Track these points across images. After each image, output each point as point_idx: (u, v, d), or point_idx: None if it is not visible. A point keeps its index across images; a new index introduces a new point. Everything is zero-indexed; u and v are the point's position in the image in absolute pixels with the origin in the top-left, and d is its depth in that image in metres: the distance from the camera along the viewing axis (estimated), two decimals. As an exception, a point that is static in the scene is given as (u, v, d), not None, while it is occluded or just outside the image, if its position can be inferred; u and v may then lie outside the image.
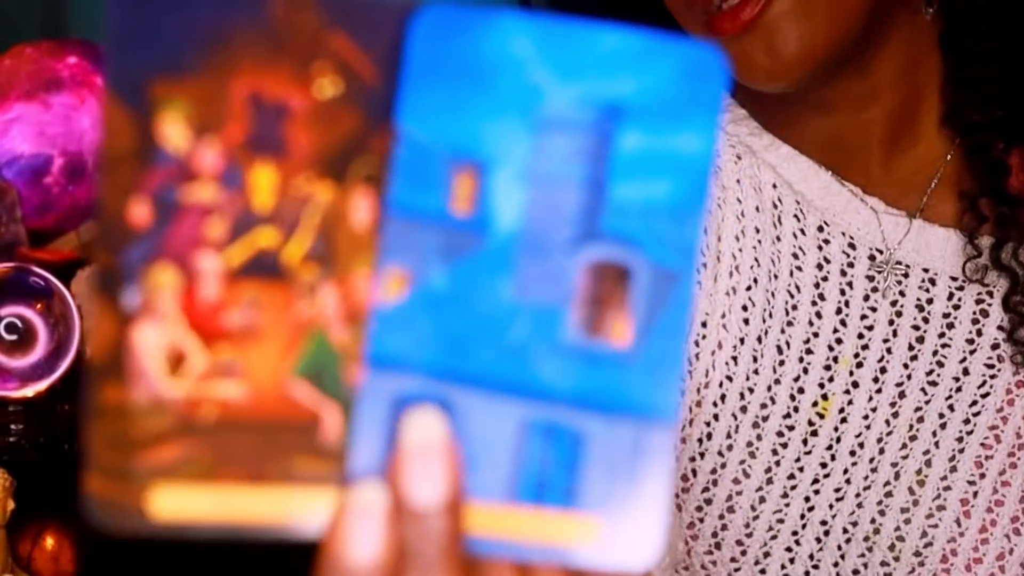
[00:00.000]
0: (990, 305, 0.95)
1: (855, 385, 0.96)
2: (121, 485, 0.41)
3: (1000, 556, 0.93)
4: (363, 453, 0.39)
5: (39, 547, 1.01)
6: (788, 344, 0.96)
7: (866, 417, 0.96)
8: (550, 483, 0.39)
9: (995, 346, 0.95)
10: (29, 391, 1.13)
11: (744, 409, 0.96)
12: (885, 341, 0.96)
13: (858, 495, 0.95)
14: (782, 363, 0.96)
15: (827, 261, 0.96)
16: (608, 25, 0.38)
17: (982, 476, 0.94)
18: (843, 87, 0.94)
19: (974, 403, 0.94)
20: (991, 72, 0.92)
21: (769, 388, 0.96)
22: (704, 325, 0.96)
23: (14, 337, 1.14)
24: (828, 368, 0.96)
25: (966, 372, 0.95)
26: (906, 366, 0.96)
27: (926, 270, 0.96)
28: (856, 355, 0.96)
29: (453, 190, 0.39)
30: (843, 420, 0.96)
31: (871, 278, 0.96)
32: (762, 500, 0.96)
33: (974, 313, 0.95)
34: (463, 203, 0.39)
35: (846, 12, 0.89)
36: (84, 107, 1.47)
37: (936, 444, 0.94)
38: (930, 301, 0.96)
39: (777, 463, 0.96)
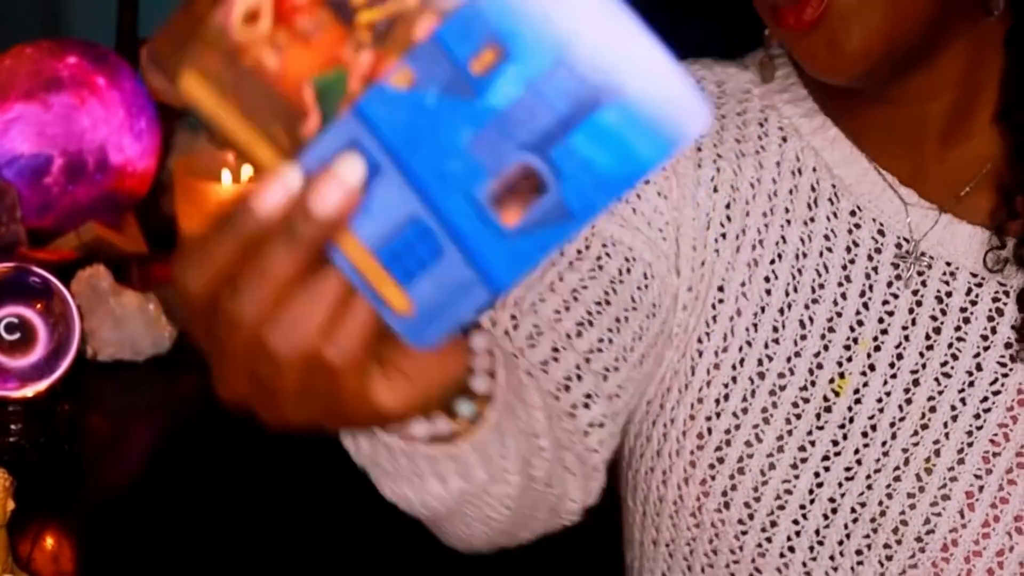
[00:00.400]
0: (1005, 304, 0.96)
1: (872, 368, 0.97)
2: (174, 53, 0.55)
3: (1000, 552, 0.93)
4: (312, 155, 0.53)
5: (39, 547, 1.01)
6: (812, 320, 0.98)
7: (880, 400, 0.97)
8: (402, 261, 0.53)
9: (1008, 345, 0.95)
10: (29, 391, 1.13)
11: (762, 376, 0.98)
12: (904, 328, 0.97)
13: (868, 476, 0.96)
14: (804, 337, 0.98)
15: (856, 245, 0.98)
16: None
17: (988, 472, 0.94)
18: (906, 81, 0.95)
19: (985, 399, 0.95)
20: None
21: (789, 359, 0.98)
22: (721, 290, 0.99)
23: (14, 337, 1.14)
24: (848, 348, 0.98)
25: (979, 368, 0.95)
26: (922, 355, 0.96)
27: (948, 263, 0.97)
28: (875, 339, 0.97)
29: (479, 53, 0.51)
30: (857, 401, 0.98)
31: (896, 266, 0.98)
32: (772, 467, 0.97)
33: (990, 310, 0.96)
34: (479, 66, 0.52)
35: (909, 12, 0.90)
36: (84, 107, 1.47)
37: (946, 435, 0.95)
38: (949, 294, 0.97)
39: (790, 432, 0.97)
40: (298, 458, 1.18)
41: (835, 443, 0.98)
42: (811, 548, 0.99)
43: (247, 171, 1.61)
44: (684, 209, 1.01)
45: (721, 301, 0.99)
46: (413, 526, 1.01)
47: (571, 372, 0.88)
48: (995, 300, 0.96)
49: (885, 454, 0.97)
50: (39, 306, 1.14)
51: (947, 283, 0.97)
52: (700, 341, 1.00)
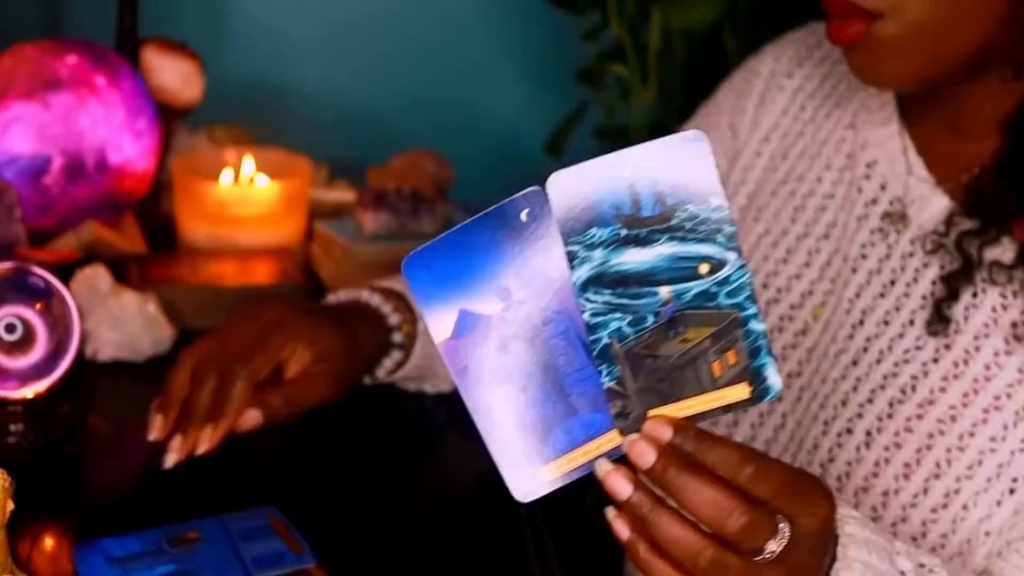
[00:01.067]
0: (935, 283, 1.03)
1: (837, 304, 1.08)
2: None
3: (885, 493, 0.99)
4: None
5: (38, 548, 1.01)
6: (818, 251, 1.12)
7: (835, 334, 1.07)
8: None
9: (928, 322, 1.02)
10: (28, 391, 1.13)
11: (765, 286, 1.13)
12: (869, 274, 1.07)
13: (811, 400, 1.06)
14: (807, 264, 1.12)
15: (859, 192, 1.10)
16: None
17: (889, 416, 1.00)
18: (944, 84, 1.02)
19: (907, 351, 1.02)
20: None
21: (789, 279, 1.12)
22: (759, 210, 1.17)
23: (13, 337, 1.13)
24: (833, 281, 1.10)
25: (912, 323, 1.03)
26: (874, 300, 1.06)
27: (920, 229, 1.05)
28: (847, 278, 1.08)
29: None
30: (824, 330, 1.08)
31: (883, 218, 1.08)
32: None
33: (933, 280, 1.03)
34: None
35: (949, 55, 0.97)
36: (83, 107, 1.47)
37: (867, 375, 1.03)
38: (912, 255, 1.05)
39: (773, 340, 1.10)
40: (299, 458, 1.18)
41: (799, 363, 1.09)
42: (766, 442, 1.10)
43: (247, 171, 1.61)
44: (753, 133, 1.20)
45: (756, 220, 1.17)
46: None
47: None
48: (933, 283, 1.03)
49: (823, 381, 1.06)
50: (38, 306, 1.14)
51: (911, 248, 1.05)
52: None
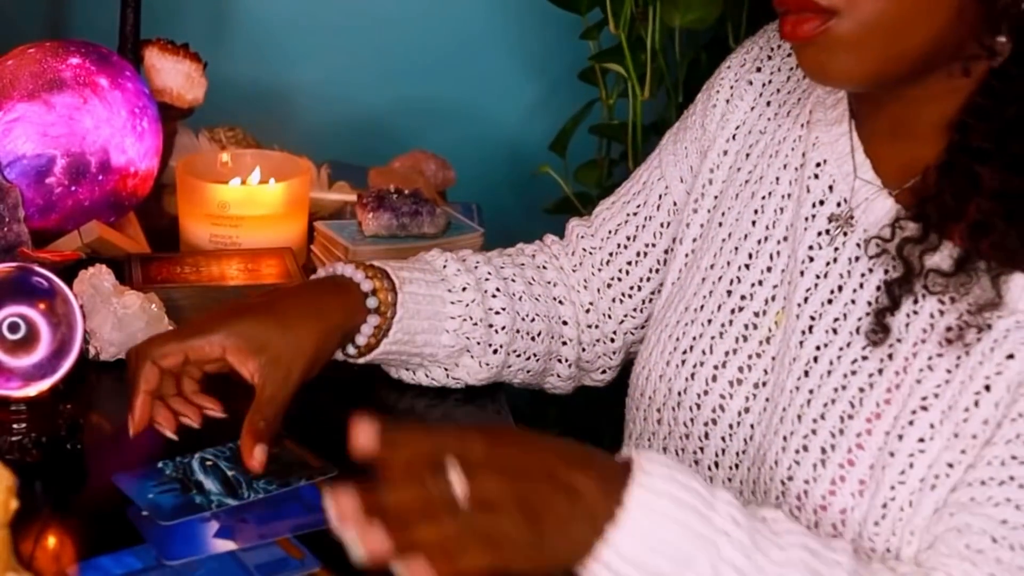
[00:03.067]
0: (879, 289, 1.02)
1: (789, 311, 1.07)
2: None
3: (843, 511, 0.98)
4: None
5: (41, 546, 1.01)
6: (779, 254, 1.10)
7: (790, 342, 1.05)
8: None
9: (872, 331, 1.01)
10: (31, 390, 1.14)
11: (729, 294, 1.12)
12: (816, 278, 1.06)
13: (774, 411, 1.05)
14: (769, 269, 1.10)
15: (808, 192, 1.09)
16: None
17: (841, 432, 1.00)
18: (894, 86, 1.02)
19: (855, 362, 1.01)
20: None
21: (752, 285, 1.11)
22: (721, 225, 1.15)
23: (17, 337, 1.14)
24: (790, 284, 1.08)
25: (858, 332, 1.02)
26: (822, 305, 1.04)
27: (865, 231, 1.04)
28: (795, 288, 1.06)
29: None
30: (783, 338, 1.07)
31: (829, 220, 1.07)
32: (715, 379, 1.10)
33: (877, 287, 1.02)
34: None
35: (904, 54, 0.97)
36: (86, 108, 1.47)
37: (819, 388, 1.02)
38: (857, 259, 1.04)
39: (735, 351, 1.09)
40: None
41: (765, 372, 1.08)
42: (734, 467, 1.09)
43: (249, 171, 1.61)
44: (714, 143, 1.19)
45: (720, 225, 1.15)
46: None
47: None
48: (877, 289, 1.02)
49: (781, 391, 1.05)
50: (42, 306, 1.15)
51: (857, 252, 1.04)
52: (697, 255, 1.16)
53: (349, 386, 1.25)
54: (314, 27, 2.15)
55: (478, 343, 1.22)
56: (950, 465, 0.94)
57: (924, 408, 0.96)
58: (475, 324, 1.22)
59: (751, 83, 1.19)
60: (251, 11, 2.14)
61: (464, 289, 1.22)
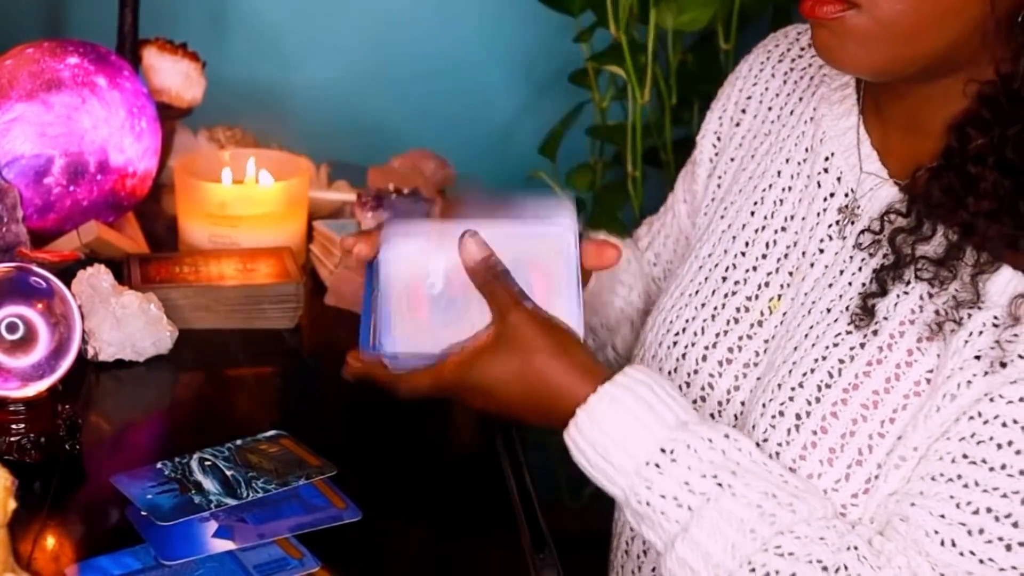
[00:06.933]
0: (871, 277, 1.04)
1: (793, 298, 1.09)
2: None
3: (809, 476, 1.02)
4: None
5: (40, 547, 1.01)
6: (775, 243, 1.14)
7: (789, 327, 1.08)
8: None
9: (855, 314, 1.04)
10: (30, 391, 1.14)
11: (724, 279, 1.16)
12: (825, 267, 1.08)
13: (764, 391, 1.07)
14: (764, 257, 1.14)
15: (819, 187, 1.11)
16: None
17: (817, 400, 1.03)
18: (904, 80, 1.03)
19: (838, 335, 1.04)
20: None
21: (747, 271, 1.15)
22: (723, 217, 1.19)
23: (15, 337, 1.14)
24: (791, 274, 1.11)
25: (844, 311, 1.05)
26: (824, 291, 1.07)
27: (870, 221, 1.06)
28: (804, 278, 1.09)
29: None
30: (780, 323, 1.10)
31: (839, 211, 1.10)
32: (704, 359, 1.13)
33: (872, 272, 1.05)
34: None
35: (910, 56, 0.99)
36: (85, 107, 1.47)
37: (812, 371, 1.04)
38: (860, 246, 1.07)
39: (725, 333, 1.13)
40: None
41: (756, 354, 1.11)
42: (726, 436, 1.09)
43: (248, 171, 1.61)
44: (730, 139, 1.22)
45: (722, 217, 1.19)
46: None
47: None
48: (874, 272, 1.04)
49: (775, 372, 1.07)
50: (40, 306, 1.15)
51: (861, 240, 1.07)
52: (700, 241, 1.20)
53: (349, 386, 1.25)
54: (312, 27, 2.15)
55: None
56: (915, 449, 0.98)
57: (900, 387, 1.00)
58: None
59: (756, 85, 1.23)
60: (250, 10, 2.14)
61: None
